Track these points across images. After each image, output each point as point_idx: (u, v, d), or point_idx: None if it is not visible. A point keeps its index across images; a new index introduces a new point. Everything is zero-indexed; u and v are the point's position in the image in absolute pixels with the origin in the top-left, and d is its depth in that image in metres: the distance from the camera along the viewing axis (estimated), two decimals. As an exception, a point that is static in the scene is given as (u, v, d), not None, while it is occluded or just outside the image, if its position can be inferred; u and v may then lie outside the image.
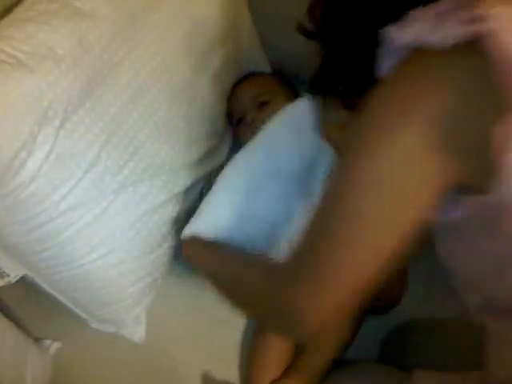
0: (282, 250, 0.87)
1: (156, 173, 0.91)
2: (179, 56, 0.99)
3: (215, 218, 0.87)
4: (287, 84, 1.22)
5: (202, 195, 1.01)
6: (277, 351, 0.91)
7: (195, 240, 0.83)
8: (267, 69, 1.30)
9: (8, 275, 0.82)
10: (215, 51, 1.09)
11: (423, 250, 0.60)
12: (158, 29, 0.95)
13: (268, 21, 1.24)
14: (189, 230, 0.85)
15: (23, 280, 0.84)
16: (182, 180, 0.96)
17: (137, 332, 0.93)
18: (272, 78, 1.25)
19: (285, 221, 0.90)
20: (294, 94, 1.22)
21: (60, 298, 0.89)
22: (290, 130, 0.95)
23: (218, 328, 0.95)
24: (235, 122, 1.16)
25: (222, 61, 1.12)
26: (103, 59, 0.84)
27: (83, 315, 0.92)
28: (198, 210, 0.88)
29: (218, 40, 1.10)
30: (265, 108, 1.12)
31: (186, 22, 1.00)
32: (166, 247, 0.95)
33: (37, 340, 0.96)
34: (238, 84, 1.21)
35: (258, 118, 1.10)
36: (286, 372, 0.91)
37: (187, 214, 0.93)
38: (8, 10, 0.81)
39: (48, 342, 0.94)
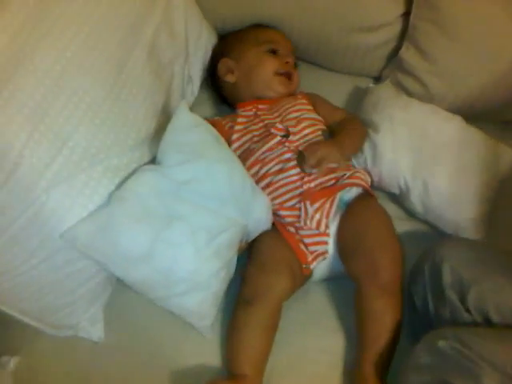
0: None
1: (91, 164, 0.84)
2: (103, 33, 0.92)
3: None
4: None
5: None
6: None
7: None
8: (212, 38, 1.25)
9: None
10: (144, 22, 1.02)
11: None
12: (73, 10, 0.87)
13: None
14: None
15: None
16: (123, 168, 0.89)
17: (95, 331, 0.89)
18: None
19: None
20: None
21: (7, 310, 0.83)
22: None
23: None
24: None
25: (154, 31, 1.04)
26: (12, 48, 0.77)
27: (36, 324, 0.87)
28: None
29: (145, 10, 1.02)
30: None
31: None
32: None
33: (-6, 358, 0.91)
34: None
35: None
36: None
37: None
38: None
39: (6, 358, 0.89)
